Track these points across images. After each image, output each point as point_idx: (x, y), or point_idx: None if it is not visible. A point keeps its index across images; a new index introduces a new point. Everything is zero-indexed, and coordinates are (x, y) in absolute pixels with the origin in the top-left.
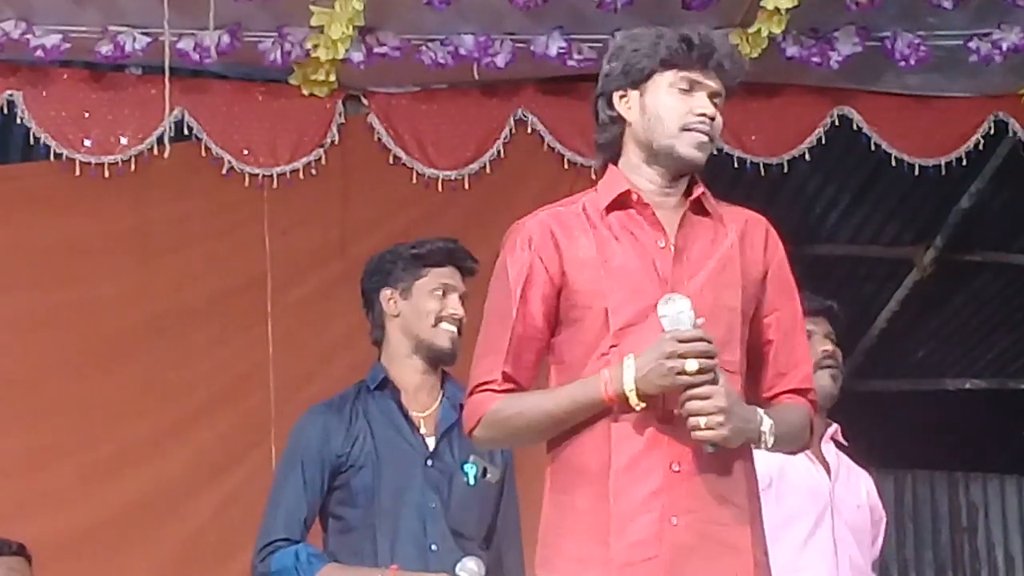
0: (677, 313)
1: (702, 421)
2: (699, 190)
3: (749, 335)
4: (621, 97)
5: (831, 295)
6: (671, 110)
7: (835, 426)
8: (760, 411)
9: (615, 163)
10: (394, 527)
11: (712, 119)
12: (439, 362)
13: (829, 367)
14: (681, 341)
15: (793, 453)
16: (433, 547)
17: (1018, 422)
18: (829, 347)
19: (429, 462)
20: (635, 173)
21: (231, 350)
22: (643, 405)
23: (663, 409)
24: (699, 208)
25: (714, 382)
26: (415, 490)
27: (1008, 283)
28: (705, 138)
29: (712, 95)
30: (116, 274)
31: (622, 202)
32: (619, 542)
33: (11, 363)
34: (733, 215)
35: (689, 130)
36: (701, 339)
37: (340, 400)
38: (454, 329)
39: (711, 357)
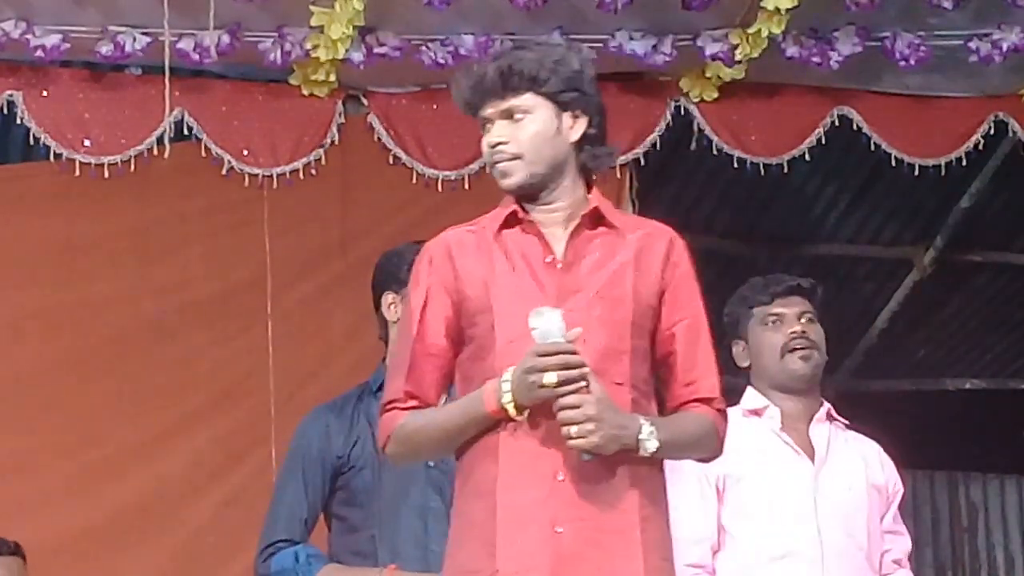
0: (546, 326)
1: (572, 430)
2: (592, 203)
3: (655, 348)
4: None
5: (831, 295)
6: (483, 151)
7: (826, 406)
8: (641, 418)
9: None
10: (395, 527)
11: (504, 142)
12: None
13: (797, 349)
14: (541, 355)
15: (703, 460)
16: (434, 547)
17: (1018, 422)
18: (797, 328)
19: (431, 463)
20: None
21: (231, 350)
22: (522, 417)
23: (547, 420)
24: (597, 221)
25: (586, 391)
26: (416, 491)
27: (1008, 283)
28: (503, 164)
29: (503, 115)
30: (116, 274)
31: (511, 221)
32: (505, 552)
33: (10, 363)
34: (635, 226)
35: (493, 165)
36: (562, 351)
37: (343, 401)
38: None
39: (576, 367)
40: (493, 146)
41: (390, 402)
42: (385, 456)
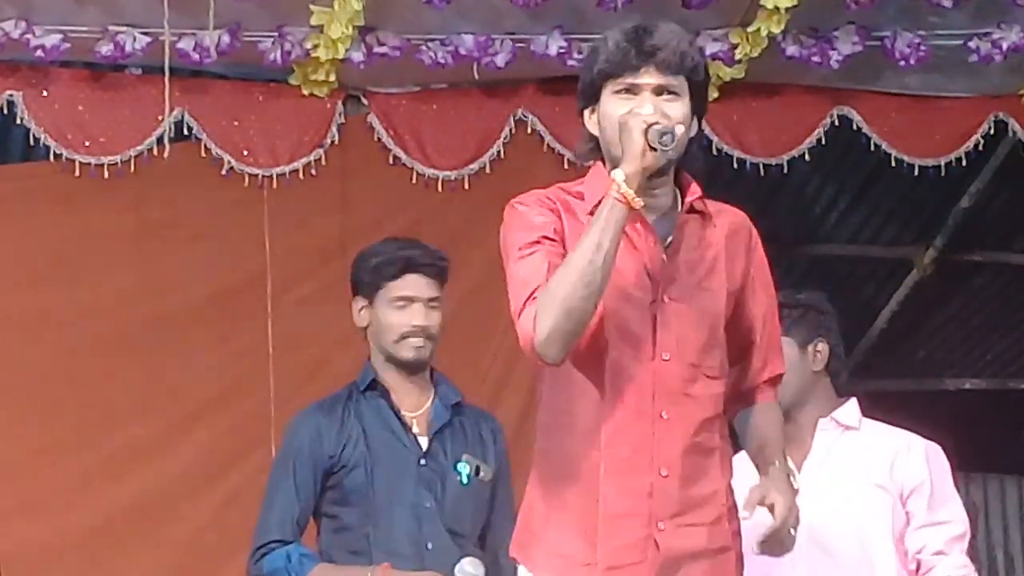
0: None
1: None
2: (694, 193)
3: (734, 334)
4: (591, 114)
5: (831, 295)
6: (622, 118)
7: (835, 413)
8: (785, 469)
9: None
10: (389, 527)
11: (668, 116)
12: (412, 372)
13: None
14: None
15: None
16: (429, 546)
17: (1018, 422)
18: None
19: (422, 462)
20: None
21: (231, 350)
22: (639, 201)
23: (651, 414)
24: (691, 207)
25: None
26: (409, 490)
27: (1008, 283)
28: (669, 138)
29: (655, 90)
30: (116, 274)
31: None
32: (607, 545)
33: (11, 363)
34: (722, 215)
35: (656, 133)
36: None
37: (332, 401)
38: (420, 341)
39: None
40: (646, 116)
41: (531, 295)
42: (539, 355)
